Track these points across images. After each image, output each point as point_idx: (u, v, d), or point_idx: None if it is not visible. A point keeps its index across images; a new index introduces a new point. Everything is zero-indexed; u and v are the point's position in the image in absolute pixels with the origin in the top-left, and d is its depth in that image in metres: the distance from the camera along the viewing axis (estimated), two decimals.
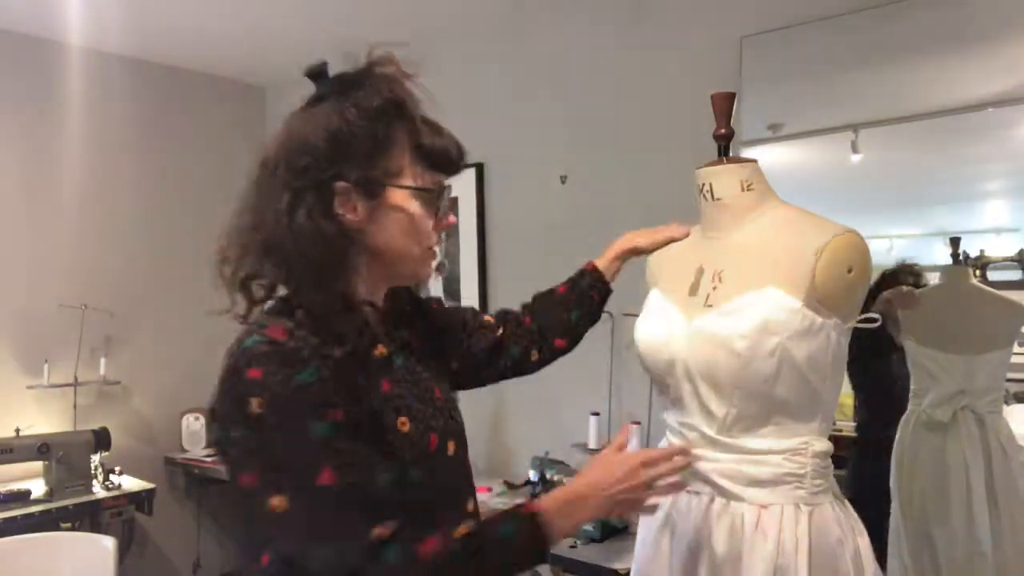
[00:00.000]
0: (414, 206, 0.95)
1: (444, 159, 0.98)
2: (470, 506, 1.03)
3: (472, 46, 3.03)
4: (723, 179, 1.20)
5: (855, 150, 2.16)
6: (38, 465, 2.82)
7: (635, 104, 2.61)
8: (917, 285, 2.05)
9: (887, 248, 2.19)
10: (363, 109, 0.92)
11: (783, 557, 1.05)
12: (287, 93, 3.85)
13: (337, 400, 0.85)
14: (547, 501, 0.94)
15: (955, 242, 2.03)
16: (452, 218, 1.02)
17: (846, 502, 1.15)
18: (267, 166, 0.95)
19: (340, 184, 0.91)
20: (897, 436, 2.00)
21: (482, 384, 1.27)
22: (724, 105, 1.22)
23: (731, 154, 1.24)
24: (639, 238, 1.32)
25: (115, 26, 2.97)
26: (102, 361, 3.21)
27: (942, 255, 2.05)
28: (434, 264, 1.03)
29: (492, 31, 2.97)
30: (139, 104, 3.43)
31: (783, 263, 1.09)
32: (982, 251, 2.03)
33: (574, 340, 1.30)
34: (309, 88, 1.02)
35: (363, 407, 0.89)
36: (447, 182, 1.01)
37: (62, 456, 2.77)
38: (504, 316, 1.29)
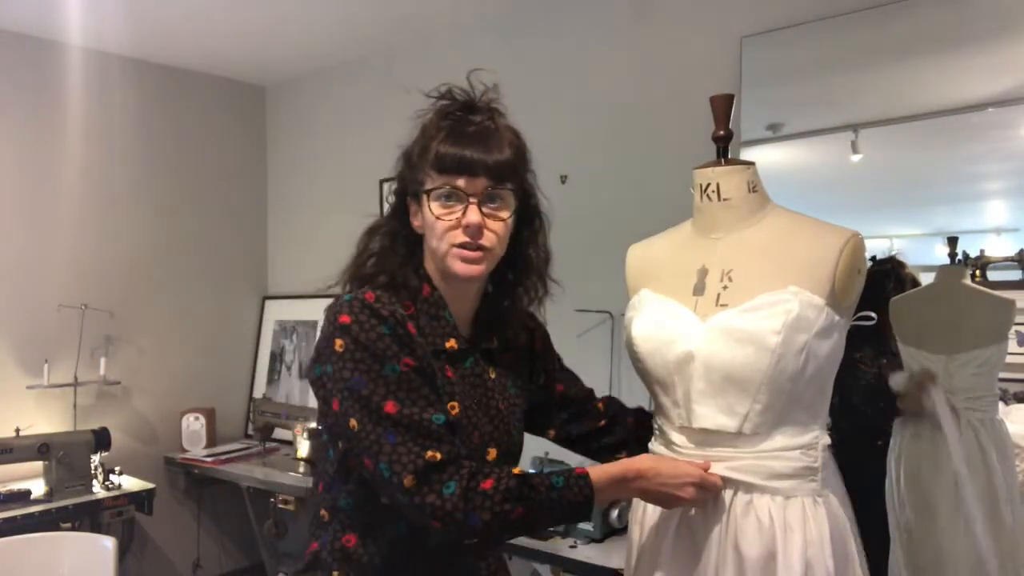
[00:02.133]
0: (431, 208, 1.07)
1: (448, 162, 1.05)
2: None
3: (472, 46, 3.03)
4: (731, 179, 1.21)
5: (855, 150, 2.16)
6: (38, 465, 2.82)
7: (635, 104, 2.60)
8: (902, 282, 2.06)
9: (887, 248, 2.19)
10: (418, 130, 1.10)
11: (811, 549, 1.08)
12: (287, 93, 3.86)
13: (407, 352, 1.01)
14: (597, 471, 1.05)
15: (952, 242, 2.03)
16: (471, 218, 1.06)
17: None
18: None
19: (409, 198, 1.12)
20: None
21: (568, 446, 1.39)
22: (723, 107, 1.23)
23: (729, 155, 1.24)
24: None
25: (115, 26, 2.97)
26: (102, 361, 3.21)
27: (942, 255, 2.04)
28: (463, 262, 1.08)
29: (492, 31, 2.97)
30: (139, 104, 3.43)
31: (805, 263, 1.12)
32: (982, 251, 2.03)
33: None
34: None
35: (427, 368, 1.04)
36: (462, 182, 1.06)
37: (62, 456, 2.77)
38: (614, 413, 1.39)
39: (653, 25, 2.57)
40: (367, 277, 1.11)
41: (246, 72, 3.74)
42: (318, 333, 1.08)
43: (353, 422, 0.98)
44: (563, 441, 1.37)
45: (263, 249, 3.92)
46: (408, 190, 1.12)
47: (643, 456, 1.13)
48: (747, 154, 2.18)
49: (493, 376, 1.16)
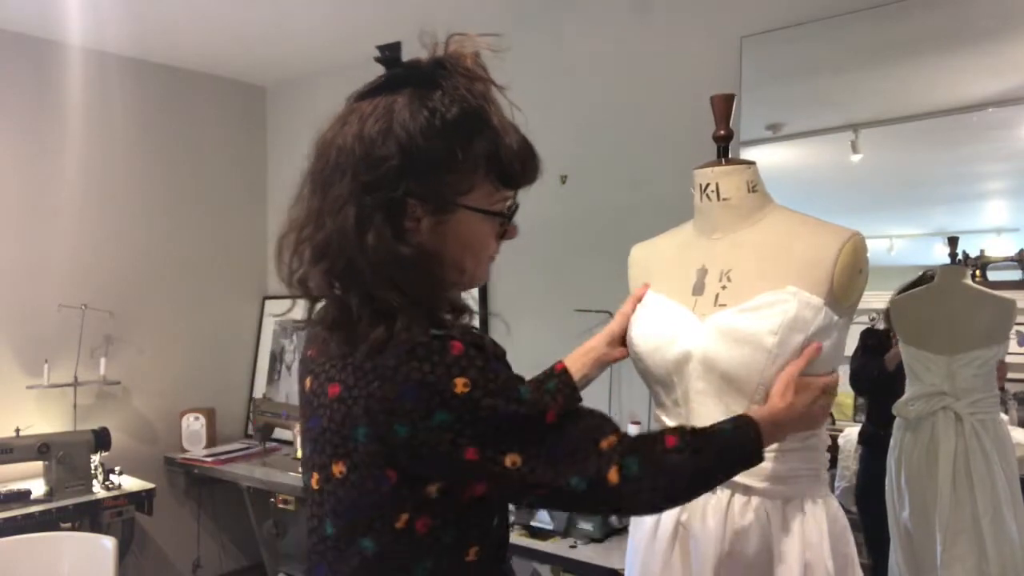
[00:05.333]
0: (481, 226, 0.92)
1: (522, 176, 0.93)
2: None
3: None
4: (730, 180, 1.20)
5: (855, 150, 2.16)
6: (38, 465, 2.82)
7: (635, 104, 2.60)
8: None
9: (887, 248, 2.19)
10: (440, 119, 0.86)
11: (810, 551, 1.08)
12: (287, 93, 3.85)
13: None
14: (759, 414, 1.00)
15: (953, 242, 2.03)
16: (515, 230, 0.97)
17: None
18: (327, 161, 0.89)
19: (410, 201, 0.87)
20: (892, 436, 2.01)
21: None
22: (723, 107, 1.23)
23: (730, 155, 1.24)
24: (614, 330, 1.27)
25: (115, 26, 2.97)
26: (102, 361, 3.20)
27: (942, 255, 2.05)
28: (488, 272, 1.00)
29: (492, 31, 2.96)
30: (139, 104, 3.43)
31: (804, 263, 1.11)
32: (982, 251, 2.03)
33: None
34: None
35: None
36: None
37: (62, 456, 2.77)
38: None
39: (653, 25, 2.56)
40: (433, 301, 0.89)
41: (246, 72, 3.73)
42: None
43: (512, 459, 0.83)
44: None
45: (263, 249, 3.92)
46: (419, 193, 0.87)
47: (771, 399, 1.06)
48: (747, 154, 2.18)
49: None
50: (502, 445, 0.83)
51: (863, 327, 2.17)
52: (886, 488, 1.99)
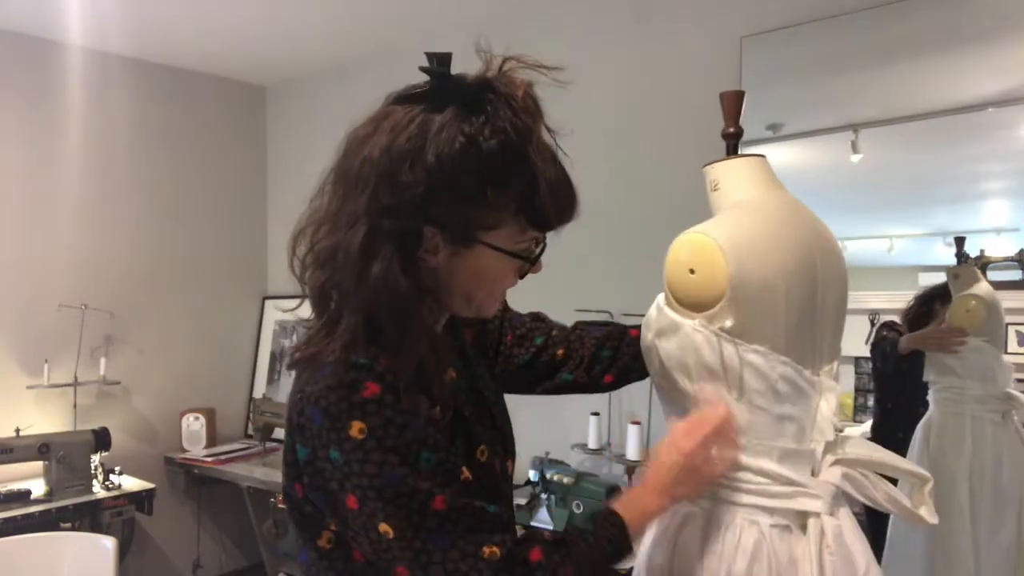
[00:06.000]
0: (500, 263, 0.87)
1: (555, 221, 0.88)
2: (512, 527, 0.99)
3: (471, 46, 3.02)
4: (706, 180, 1.19)
5: (855, 150, 2.16)
6: (38, 465, 2.82)
7: (635, 104, 2.60)
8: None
9: (887, 248, 2.19)
10: (477, 150, 0.80)
11: (652, 548, 1.07)
12: (287, 93, 3.86)
13: (432, 427, 0.82)
14: (620, 503, 0.92)
15: (960, 242, 2.03)
16: (540, 266, 0.92)
17: (807, 530, 0.99)
18: (352, 166, 0.84)
19: (428, 229, 0.82)
20: (936, 440, 1.98)
21: (532, 393, 1.20)
22: (733, 104, 1.21)
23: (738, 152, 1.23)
24: None
25: (115, 26, 2.97)
26: (102, 361, 3.21)
27: (942, 255, 2.05)
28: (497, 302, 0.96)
29: (491, 31, 2.97)
30: (139, 104, 3.43)
31: None
32: (982, 251, 2.03)
33: (621, 383, 1.22)
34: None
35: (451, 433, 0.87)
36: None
37: (62, 456, 2.77)
38: (567, 335, 1.21)
39: (653, 25, 2.57)
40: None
41: (246, 72, 3.74)
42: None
43: (385, 527, 0.78)
44: (529, 383, 1.18)
45: (263, 249, 3.92)
46: (441, 223, 0.82)
47: (646, 475, 0.97)
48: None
49: (480, 384, 1.00)
50: (379, 509, 0.78)
51: (862, 326, 2.17)
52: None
